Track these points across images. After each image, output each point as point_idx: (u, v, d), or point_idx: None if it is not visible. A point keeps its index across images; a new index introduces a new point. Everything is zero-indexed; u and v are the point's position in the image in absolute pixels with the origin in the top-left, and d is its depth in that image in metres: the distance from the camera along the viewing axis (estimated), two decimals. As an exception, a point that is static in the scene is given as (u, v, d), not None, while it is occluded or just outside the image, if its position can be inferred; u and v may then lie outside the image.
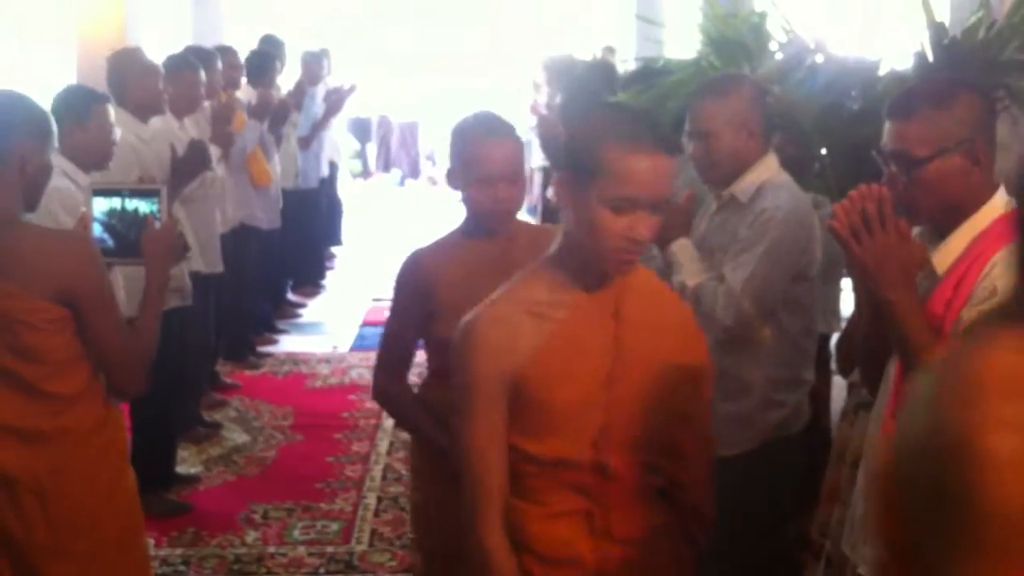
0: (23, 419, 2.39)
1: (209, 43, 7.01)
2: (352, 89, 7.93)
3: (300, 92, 7.11)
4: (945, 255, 2.09)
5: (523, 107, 10.08)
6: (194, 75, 5.04)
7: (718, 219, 2.91)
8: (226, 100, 5.74)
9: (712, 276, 2.77)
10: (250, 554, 4.07)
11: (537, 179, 9.33)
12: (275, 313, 7.28)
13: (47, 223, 2.83)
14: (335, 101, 7.79)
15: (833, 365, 3.62)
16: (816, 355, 3.11)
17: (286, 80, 7.41)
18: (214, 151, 4.98)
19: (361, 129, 13.15)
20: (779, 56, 3.70)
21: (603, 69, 4.92)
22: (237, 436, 5.27)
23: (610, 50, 9.28)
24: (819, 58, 3.67)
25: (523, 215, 10.08)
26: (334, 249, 9.17)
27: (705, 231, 2.92)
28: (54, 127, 2.52)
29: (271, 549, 4.11)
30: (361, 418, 5.52)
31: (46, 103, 3.01)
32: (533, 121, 7.48)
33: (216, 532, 4.22)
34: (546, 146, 4.98)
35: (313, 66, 7.90)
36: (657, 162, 1.82)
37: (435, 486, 2.56)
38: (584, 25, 12.70)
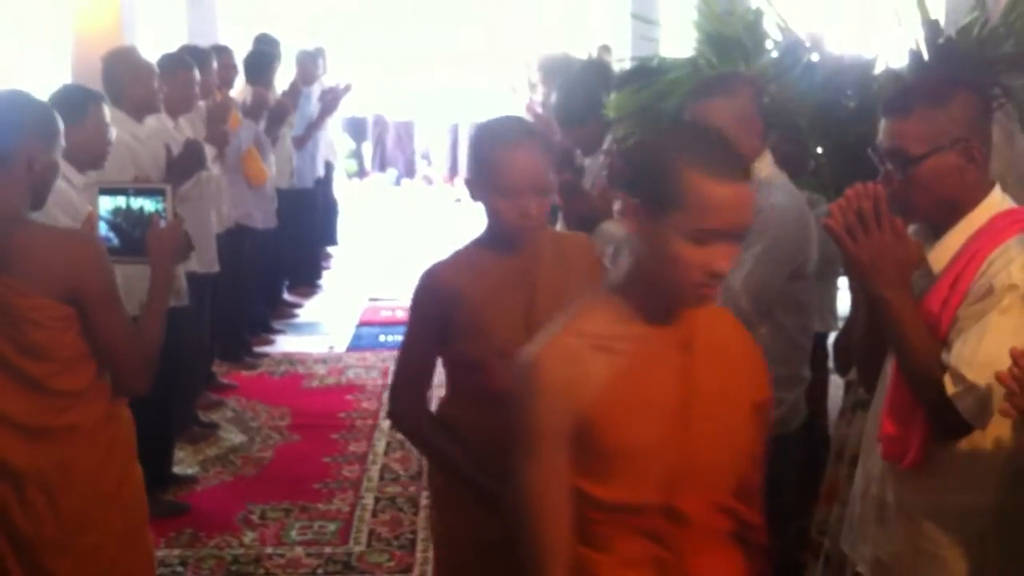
0: (30, 416, 2.42)
1: (204, 42, 7.00)
2: (348, 88, 7.92)
3: (295, 91, 7.10)
4: (941, 253, 2.09)
5: (517, 105, 10.09)
6: (189, 75, 5.03)
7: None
8: (221, 99, 5.74)
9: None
10: (248, 555, 4.07)
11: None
12: (271, 313, 7.27)
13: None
14: (330, 101, 7.78)
15: (831, 363, 3.63)
16: (813, 353, 3.11)
17: (281, 79, 7.40)
18: (209, 150, 4.98)
19: (357, 128, 13.14)
20: (775, 54, 3.70)
21: (598, 68, 4.91)
22: (234, 436, 5.26)
23: (606, 49, 9.27)
24: (815, 56, 3.67)
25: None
26: (330, 249, 9.16)
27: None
28: (60, 126, 2.54)
29: (269, 550, 4.11)
30: (358, 418, 5.52)
31: (42, 103, 3.01)
32: (529, 120, 7.46)
33: (214, 533, 4.22)
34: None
35: (308, 65, 7.89)
36: (740, 190, 1.71)
37: (458, 513, 2.44)
38: (580, 24, 12.69)
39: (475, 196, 2.38)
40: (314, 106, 7.71)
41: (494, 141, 2.33)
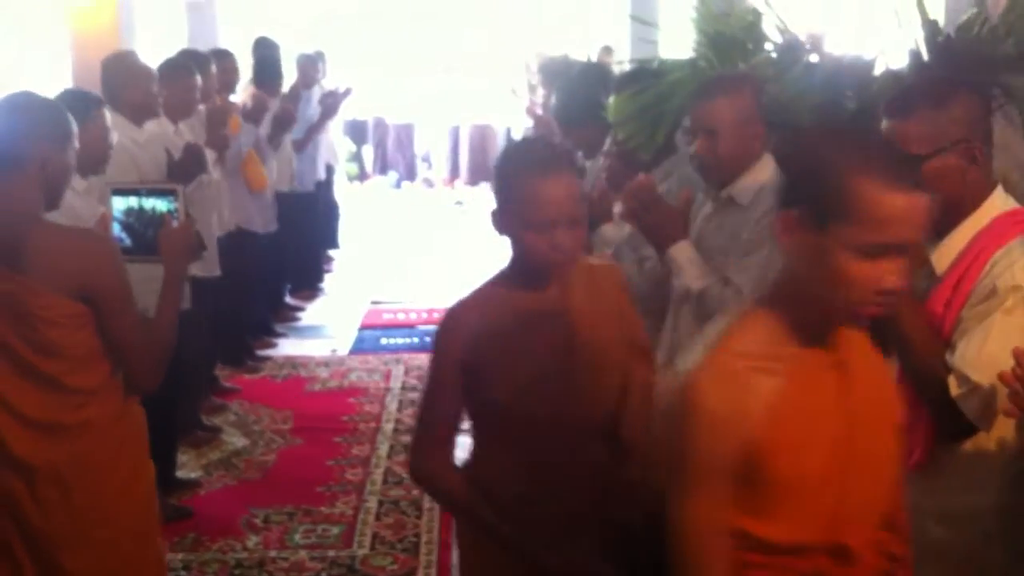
0: (45, 412, 2.45)
1: (204, 46, 7.01)
2: (348, 92, 7.92)
3: (295, 95, 7.10)
4: (944, 254, 2.09)
5: (515, 107, 10.09)
6: (190, 79, 5.04)
7: (715, 221, 2.90)
8: (221, 103, 5.74)
9: (716, 279, 2.76)
10: (251, 559, 4.07)
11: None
12: (273, 317, 7.27)
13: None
14: (331, 104, 7.78)
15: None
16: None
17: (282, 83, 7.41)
18: (209, 154, 4.98)
19: (357, 132, 13.14)
20: (774, 55, 3.70)
21: (597, 70, 4.91)
22: (237, 440, 5.26)
23: (608, 50, 9.28)
24: (814, 57, 3.67)
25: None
26: (331, 252, 9.16)
27: (701, 233, 2.92)
28: (74, 128, 2.57)
29: (272, 553, 4.11)
30: (361, 421, 5.52)
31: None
32: (529, 123, 7.48)
33: (217, 537, 4.22)
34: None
35: (308, 69, 7.89)
36: (916, 201, 1.55)
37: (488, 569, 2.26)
38: (579, 26, 12.70)
39: (501, 229, 2.18)
40: (314, 109, 7.71)
41: (522, 170, 2.14)
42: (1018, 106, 3.06)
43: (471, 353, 2.15)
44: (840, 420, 1.67)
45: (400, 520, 4.38)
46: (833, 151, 1.62)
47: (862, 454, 1.68)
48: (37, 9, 7.67)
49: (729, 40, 3.68)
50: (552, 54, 8.51)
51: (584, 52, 8.27)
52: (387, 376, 6.24)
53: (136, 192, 2.83)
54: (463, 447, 2.27)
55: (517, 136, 10.66)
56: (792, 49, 3.63)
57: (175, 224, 2.73)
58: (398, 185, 13.37)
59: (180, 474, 4.72)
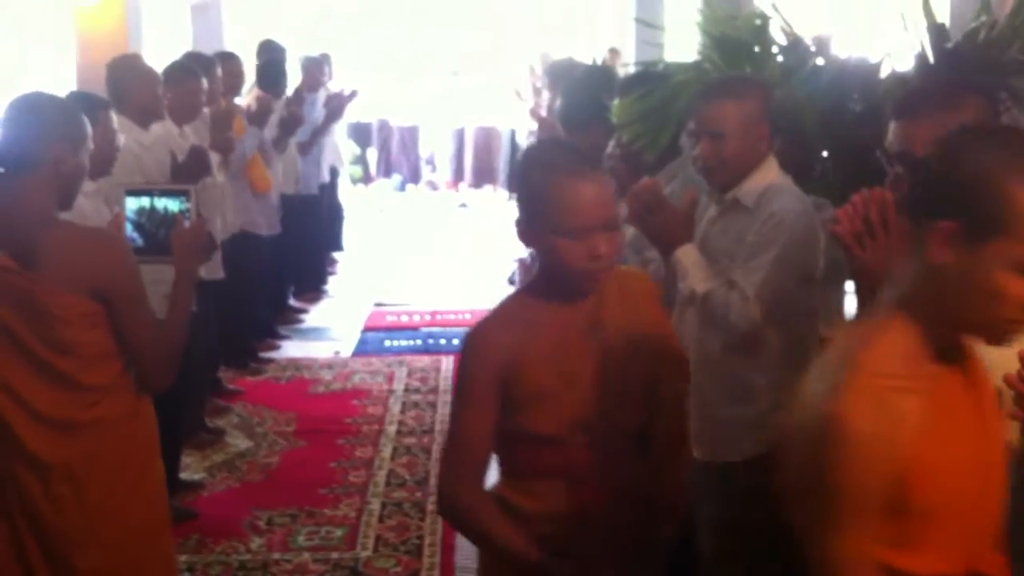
0: (58, 409, 2.47)
1: (209, 49, 7.01)
2: (353, 95, 7.93)
3: (299, 98, 7.11)
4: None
5: (520, 109, 10.10)
6: (196, 83, 5.04)
7: (720, 224, 2.90)
8: (226, 106, 5.74)
9: (721, 282, 2.76)
10: (255, 560, 4.07)
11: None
12: (277, 319, 7.27)
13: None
14: (336, 107, 7.79)
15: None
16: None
17: (287, 86, 7.42)
18: (213, 157, 4.99)
19: (361, 134, 13.15)
20: (780, 58, 3.70)
21: (601, 73, 4.91)
22: (240, 442, 5.26)
23: (614, 52, 9.28)
24: (820, 60, 3.67)
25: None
26: (335, 255, 9.16)
27: (706, 236, 2.91)
28: (88, 129, 2.59)
29: (276, 555, 4.11)
30: (364, 423, 5.52)
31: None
32: (534, 125, 7.48)
33: (220, 539, 4.22)
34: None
35: (313, 71, 7.90)
36: None
37: None
38: (584, 28, 12.71)
39: (529, 240, 2.06)
40: (319, 112, 7.72)
41: (551, 175, 2.00)
42: (1024, 110, 3.06)
43: (502, 377, 2.02)
44: (978, 442, 1.60)
45: (403, 522, 4.38)
46: (990, 160, 1.49)
47: (1000, 478, 1.63)
48: (42, 11, 7.68)
49: (735, 43, 3.67)
50: (556, 56, 8.52)
51: (589, 54, 8.27)
52: (390, 378, 6.24)
53: (149, 193, 2.86)
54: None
55: (522, 139, 10.67)
56: (798, 52, 3.63)
57: (187, 224, 2.76)
58: (402, 188, 13.37)
59: (184, 476, 4.72)
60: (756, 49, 3.65)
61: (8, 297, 2.39)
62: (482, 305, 7.84)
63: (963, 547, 1.60)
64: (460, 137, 13.12)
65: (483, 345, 2.07)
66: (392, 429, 5.42)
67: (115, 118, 3.71)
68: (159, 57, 5.12)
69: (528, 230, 2.05)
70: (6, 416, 2.43)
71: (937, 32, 3.28)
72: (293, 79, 7.69)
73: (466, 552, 4.13)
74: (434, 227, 11.10)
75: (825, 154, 3.57)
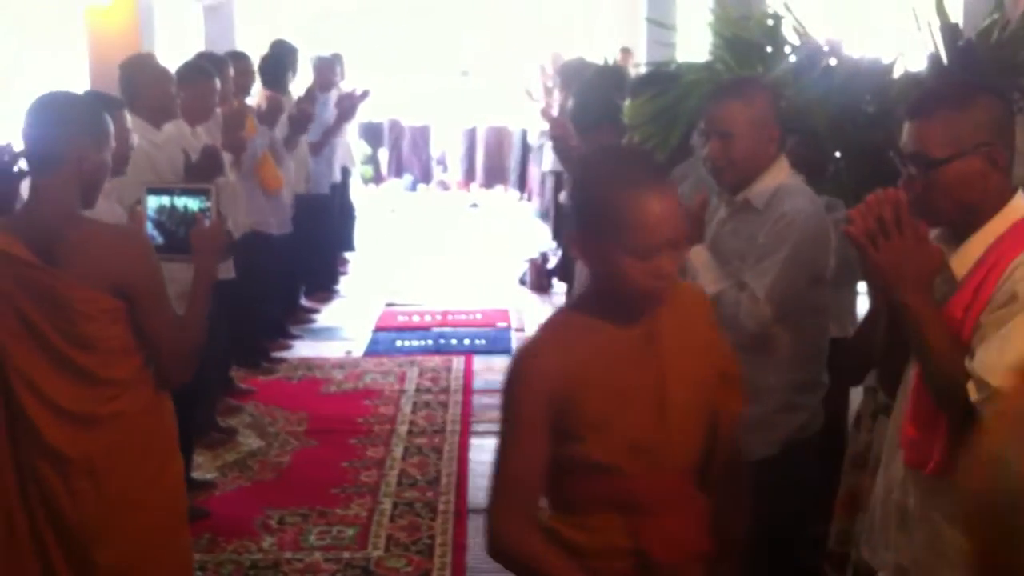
0: (79, 404, 2.50)
1: (220, 48, 7.03)
2: (365, 94, 7.92)
3: (311, 97, 7.12)
4: (963, 259, 2.08)
5: (527, 108, 10.10)
6: (209, 83, 5.05)
7: (730, 225, 2.89)
8: (238, 106, 5.75)
9: (732, 283, 2.76)
10: (266, 560, 4.08)
11: (549, 183, 9.33)
12: (288, 319, 7.29)
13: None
14: (347, 107, 7.79)
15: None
16: (831, 359, 3.10)
17: (299, 86, 7.43)
18: (226, 157, 4.99)
19: (373, 134, 13.16)
20: (792, 59, 3.69)
21: (612, 73, 4.91)
22: (252, 442, 5.28)
23: (626, 51, 9.27)
24: (833, 61, 3.66)
25: (534, 219, 10.02)
26: (347, 255, 9.17)
27: (716, 237, 2.91)
28: (110, 127, 2.62)
29: (287, 555, 4.11)
30: (376, 423, 5.52)
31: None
32: (545, 125, 7.47)
33: (232, 538, 4.23)
34: (558, 150, 4.99)
35: (325, 71, 7.90)
36: None
37: None
38: (596, 28, 12.70)
39: (588, 255, 1.92)
40: (331, 112, 7.73)
41: (619, 187, 1.85)
42: (1038, 110, 3.04)
43: (558, 404, 1.90)
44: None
45: (414, 522, 4.38)
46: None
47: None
48: (55, 11, 7.71)
49: (747, 43, 3.67)
50: (568, 56, 8.51)
51: (600, 54, 8.26)
52: (402, 378, 6.25)
53: (170, 191, 2.90)
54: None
55: (533, 139, 10.66)
56: (811, 53, 3.63)
57: (206, 223, 2.80)
58: (413, 187, 13.39)
59: (195, 475, 4.73)
60: (768, 49, 3.65)
61: (31, 292, 2.44)
62: (493, 305, 7.86)
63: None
64: (471, 137, 13.13)
65: (532, 369, 1.93)
66: (403, 429, 5.43)
67: (128, 118, 3.73)
68: (171, 57, 5.13)
69: (586, 244, 1.91)
70: (27, 410, 2.47)
71: (950, 32, 3.27)
72: (305, 79, 7.71)
73: (477, 552, 4.13)
74: (445, 227, 11.11)
75: (838, 154, 3.57)
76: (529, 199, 11.93)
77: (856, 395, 3.33)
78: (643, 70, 4.60)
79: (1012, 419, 1.13)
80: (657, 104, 3.61)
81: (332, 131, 7.66)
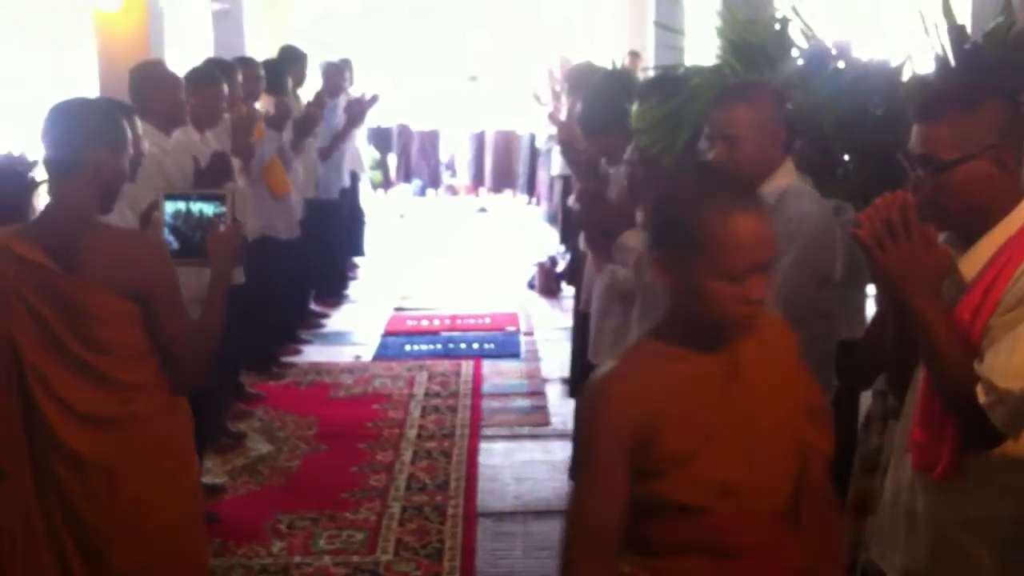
0: (95, 406, 2.53)
1: (229, 54, 7.04)
2: (374, 99, 7.93)
3: (320, 102, 7.13)
4: (972, 262, 2.08)
5: (535, 112, 10.09)
6: (218, 88, 5.06)
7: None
8: (247, 112, 5.77)
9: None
10: (276, 564, 4.08)
11: (557, 187, 9.33)
12: (298, 323, 7.30)
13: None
14: (356, 112, 7.80)
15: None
16: (839, 362, 3.10)
17: (308, 91, 7.44)
18: (234, 162, 5.01)
19: (381, 139, 13.19)
20: (800, 61, 3.69)
21: (620, 78, 4.91)
22: (261, 446, 5.29)
23: (635, 55, 9.26)
24: (840, 63, 3.65)
25: (542, 223, 10.01)
26: (356, 259, 9.18)
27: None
28: (128, 134, 2.66)
29: (297, 559, 4.12)
30: (385, 427, 5.53)
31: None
32: (553, 129, 7.48)
33: (242, 542, 4.23)
34: (566, 154, 4.99)
35: (334, 77, 7.91)
36: None
37: None
38: (603, 32, 12.70)
39: (669, 278, 1.83)
40: (340, 118, 7.74)
41: (711, 206, 1.76)
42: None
43: (638, 433, 1.79)
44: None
45: (423, 526, 4.38)
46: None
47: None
48: (64, 17, 7.73)
49: (754, 47, 3.67)
50: (576, 60, 8.51)
51: (608, 57, 8.26)
52: (411, 383, 6.25)
53: (186, 197, 2.94)
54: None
55: (540, 143, 10.67)
56: (818, 55, 3.62)
57: (222, 228, 2.83)
58: (422, 192, 13.40)
59: (205, 480, 4.72)
60: (776, 53, 3.64)
61: (48, 297, 2.46)
62: (502, 309, 7.87)
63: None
64: (480, 141, 13.15)
65: (613, 401, 1.82)
66: (412, 433, 5.43)
67: (139, 124, 3.74)
68: (180, 63, 5.14)
69: (670, 266, 1.82)
70: (45, 412, 2.49)
71: (958, 34, 3.27)
72: (314, 84, 7.72)
73: (486, 556, 4.13)
74: (454, 232, 11.12)
75: (846, 157, 3.56)
76: (538, 203, 11.95)
77: (866, 398, 3.32)
78: (651, 74, 4.59)
79: None
80: (664, 108, 3.60)
81: (341, 136, 7.67)
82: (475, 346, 7.02)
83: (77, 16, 7.68)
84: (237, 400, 5.77)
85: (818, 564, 1.95)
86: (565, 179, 8.50)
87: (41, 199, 3.29)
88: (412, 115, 13.29)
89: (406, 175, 13.50)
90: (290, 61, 7.17)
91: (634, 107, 3.68)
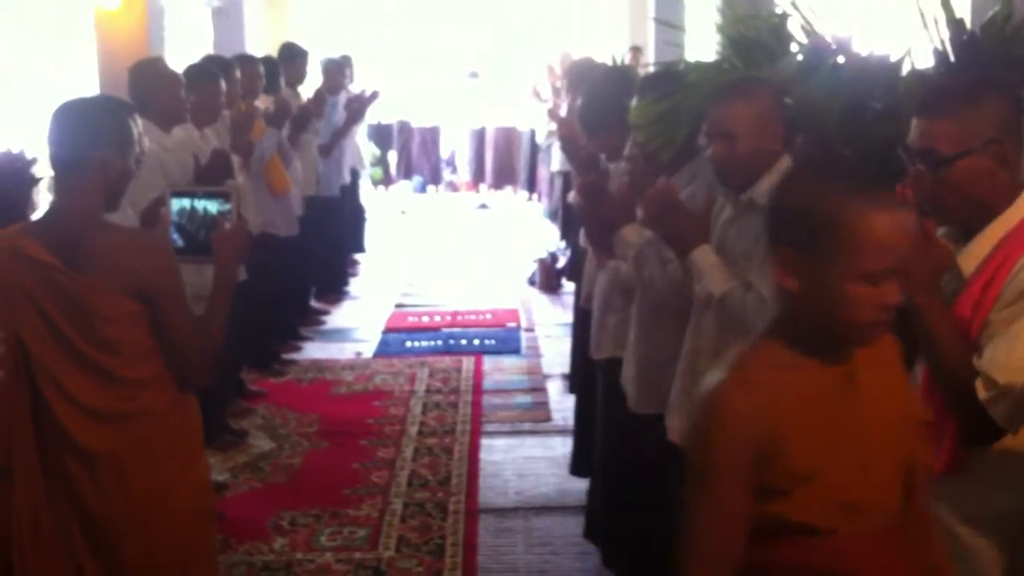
0: (103, 401, 2.54)
1: (229, 52, 7.04)
2: (375, 96, 7.93)
3: (320, 99, 7.13)
4: (972, 256, 2.08)
5: (536, 108, 10.09)
6: (216, 85, 5.07)
7: (736, 226, 2.89)
8: (247, 109, 5.77)
9: (738, 284, 2.75)
10: (278, 561, 4.09)
11: (558, 184, 9.33)
12: (299, 321, 7.30)
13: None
14: (357, 109, 7.80)
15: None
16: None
17: (308, 88, 7.43)
18: (234, 160, 5.01)
19: (382, 136, 13.18)
20: (800, 56, 3.68)
21: (620, 74, 4.90)
22: (263, 443, 5.29)
23: (636, 50, 9.25)
24: (840, 58, 3.65)
25: (543, 219, 10.03)
26: (357, 256, 9.19)
27: (723, 238, 2.91)
28: (134, 133, 2.66)
29: (299, 555, 4.13)
30: (386, 424, 5.53)
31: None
32: (553, 125, 7.48)
33: (244, 539, 4.24)
34: (567, 150, 4.99)
35: (334, 73, 7.91)
36: None
37: None
38: (604, 28, 12.69)
39: (797, 278, 1.69)
40: (340, 115, 7.74)
41: (849, 202, 1.63)
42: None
43: (761, 447, 1.67)
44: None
45: (425, 522, 4.39)
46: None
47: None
48: (64, 15, 7.73)
49: (753, 42, 3.66)
50: (576, 56, 8.51)
51: (608, 53, 8.26)
52: (412, 379, 6.26)
53: (192, 194, 2.93)
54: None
55: (540, 139, 10.66)
56: (818, 50, 3.62)
57: (227, 226, 2.82)
58: (422, 189, 13.40)
59: (207, 477, 4.75)
60: (774, 49, 3.64)
61: (54, 295, 2.47)
62: (503, 305, 7.87)
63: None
64: (480, 138, 13.14)
65: (733, 413, 1.68)
66: (414, 430, 5.44)
67: (139, 121, 3.74)
68: (180, 60, 5.14)
69: (797, 265, 1.68)
70: (53, 408, 2.50)
71: (957, 28, 3.26)
72: (314, 81, 7.72)
73: (488, 552, 4.14)
74: (455, 228, 11.12)
75: (847, 152, 3.56)
76: (538, 199, 11.94)
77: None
78: (652, 70, 4.59)
79: None
80: (661, 104, 3.60)
81: (341, 133, 7.67)
82: (476, 342, 7.02)
83: (77, 13, 7.68)
84: (239, 397, 5.77)
85: None
86: (565, 175, 8.50)
87: (41, 196, 3.29)
88: (413, 111, 13.28)
89: (407, 172, 13.49)
90: (286, 59, 7.18)
91: (632, 103, 3.68)
